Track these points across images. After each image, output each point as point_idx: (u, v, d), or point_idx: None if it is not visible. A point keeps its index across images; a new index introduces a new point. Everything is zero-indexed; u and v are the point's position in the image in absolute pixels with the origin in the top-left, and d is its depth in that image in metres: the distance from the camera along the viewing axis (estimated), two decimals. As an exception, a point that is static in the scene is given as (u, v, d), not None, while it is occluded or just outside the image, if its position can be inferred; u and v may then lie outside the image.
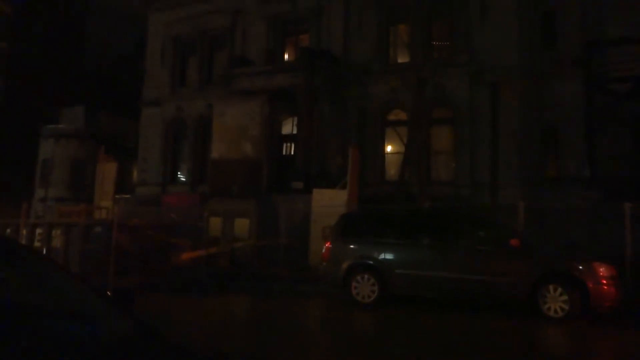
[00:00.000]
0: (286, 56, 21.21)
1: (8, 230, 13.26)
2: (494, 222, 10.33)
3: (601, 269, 7.90)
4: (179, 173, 22.63)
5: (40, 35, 38.55)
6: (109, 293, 2.90)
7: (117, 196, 18.03)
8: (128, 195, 21.75)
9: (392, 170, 18.25)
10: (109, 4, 42.80)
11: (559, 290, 7.84)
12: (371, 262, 9.32)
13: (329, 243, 9.98)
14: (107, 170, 17.01)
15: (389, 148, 18.76)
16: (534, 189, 15.60)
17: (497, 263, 8.49)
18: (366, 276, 9.25)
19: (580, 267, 8.03)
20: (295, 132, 18.74)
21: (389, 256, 9.28)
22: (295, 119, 18.66)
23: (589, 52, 17.22)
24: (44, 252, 11.62)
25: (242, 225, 15.86)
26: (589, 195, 15.13)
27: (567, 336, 7.64)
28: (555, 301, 7.84)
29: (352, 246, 9.73)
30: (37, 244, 12.27)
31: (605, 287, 7.79)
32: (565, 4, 17.01)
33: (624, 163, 17.78)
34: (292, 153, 19.14)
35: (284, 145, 19.84)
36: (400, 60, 19.06)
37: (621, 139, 18.47)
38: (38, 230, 12.59)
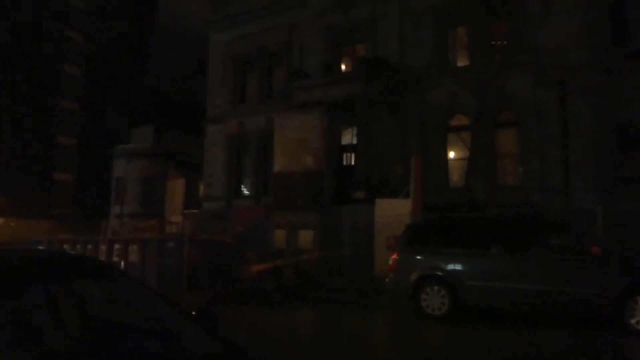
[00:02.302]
0: (343, 67, 21.34)
1: (89, 246, 14.10)
2: (570, 227, 9.78)
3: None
4: (242, 187, 23.23)
5: (110, 59, 41.10)
6: (194, 313, 2.98)
7: (185, 211, 18.77)
8: (195, 210, 22.56)
9: (455, 177, 17.81)
10: (172, 26, 44.97)
11: (649, 301, 7.28)
12: (440, 274, 9.10)
13: (395, 254, 9.85)
14: (176, 186, 17.78)
15: (451, 154, 18.34)
16: (610, 191, 14.67)
17: (577, 273, 8.01)
18: (436, 288, 9.03)
19: (671, 276, 7.44)
20: (355, 142, 18.76)
21: (458, 267, 9.02)
22: (355, 129, 18.69)
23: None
24: (122, 267, 12.25)
25: (306, 236, 16.02)
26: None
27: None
28: (645, 313, 7.29)
29: (419, 257, 9.56)
30: (115, 259, 12.97)
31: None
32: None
33: None
34: (353, 163, 19.15)
35: (344, 155, 19.89)
36: (459, 64, 18.64)
37: None
38: (116, 246, 13.30)
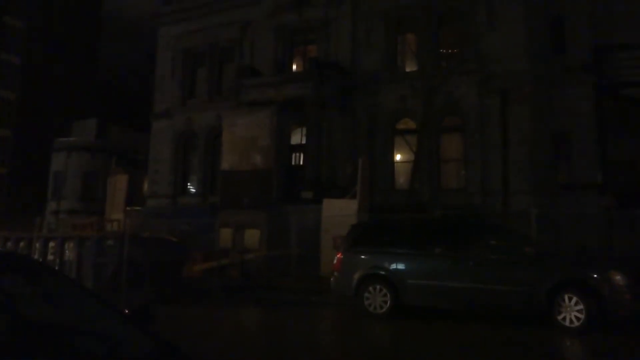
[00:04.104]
0: (294, 67, 21.33)
1: (22, 244, 13.39)
2: (506, 229, 10.25)
3: (617, 277, 7.79)
4: (189, 184, 22.76)
5: (52, 49, 39.18)
6: (126, 311, 2.91)
7: (128, 208, 18.17)
8: (139, 208, 21.89)
9: (402, 179, 18.22)
10: (120, 18, 43.42)
11: (574, 299, 7.72)
12: (383, 273, 9.28)
13: (340, 254, 9.97)
14: (118, 183, 17.17)
15: (398, 157, 18.75)
16: (546, 195, 15.48)
17: (511, 272, 8.40)
18: (378, 287, 9.20)
19: (596, 276, 7.94)
20: (304, 142, 18.81)
21: (400, 266, 9.24)
22: (305, 129, 18.73)
23: (598, 57, 17.12)
24: (57, 265, 11.71)
25: (252, 236, 15.90)
26: (602, 202, 14.99)
27: (582, 346, 7.54)
28: (571, 310, 7.73)
29: (363, 256, 9.71)
30: (50, 257, 12.38)
31: (622, 296, 7.69)
32: (574, 10, 16.97)
33: (637, 169, 17.61)
34: (302, 163, 19.20)
35: (294, 155, 19.91)
36: (408, 69, 19.09)
37: (634, 144, 18.30)
38: (51, 244, 12.69)
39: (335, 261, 9.99)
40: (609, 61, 18.25)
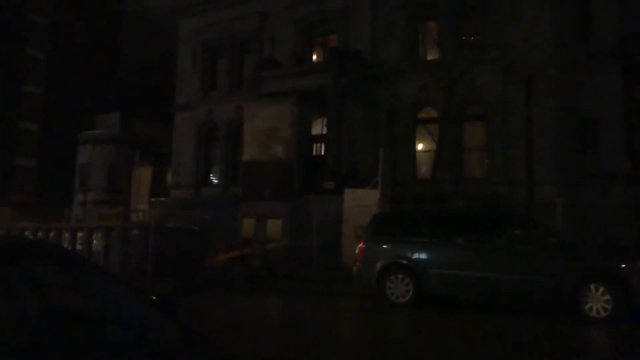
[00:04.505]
0: (314, 57, 21.30)
1: (51, 234, 13.75)
2: (531, 220, 10.09)
3: (645, 268, 7.64)
4: (211, 175, 23.01)
5: (76, 45, 39.82)
6: (153, 298, 2.97)
7: (152, 199, 18.47)
8: (163, 199, 22.23)
9: (423, 169, 18.09)
10: (140, 13, 43.84)
11: (601, 289, 7.60)
12: (405, 262, 9.26)
13: (362, 243, 9.97)
14: (143, 175, 17.44)
15: (420, 146, 18.60)
16: (572, 185, 15.19)
17: (535, 262, 8.29)
18: (400, 276, 9.18)
19: (624, 266, 7.79)
20: (325, 132, 18.79)
21: (423, 256, 9.20)
22: (325, 119, 18.71)
23: (626, 44, 16.64)
24: (86, 255, 12.00)
25: (274, 226, 16.01)
26: (630, 191, 14.63)
27: (609, 337, 7.43)
28: (597, 301, 7.60)
29: (385, 246, 9.69)
30: (78, 247, 12.69)
31: (650, 287, 7.53)
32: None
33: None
34: (323, 153, 19.20)
35: (315, 145, 19.92)
36: (429, 58, 18.86)
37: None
38: (79, 234, 13.01)
39: (357, 251, 10.00)
40: (637, 47, 17.72)
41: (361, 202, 13.41)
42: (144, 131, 29.04)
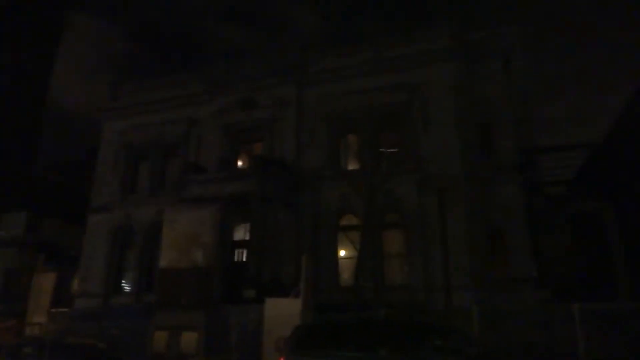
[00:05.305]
0: (240, 163, 21.58)
1: None
2: (451, 330, 10.17)
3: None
4: (123, 282, 21.50)
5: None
6: None
7: (53, 310, 16.78)
8: (66, 309, 20.22)
9: (346, 275, 18.09)
10: (62, 112, 43.18)
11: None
12: (328, 379, 8.81)
13: (282, 358, 9.45)
14: (44, 282, 16.01)
15: (342, 253, 18.75)
16: (487, 290, 15.75)
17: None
18: (323, 394, 8.68)
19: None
20: (247, 238, 18.51)
21: (346, 371, 8.83)
22: (248, 225, 18.54)
23: (523, 159, 18.54)
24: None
25: (190, 339, 14.89)
26: (539, 295, 15.42)
27: None
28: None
29: (307, 361, 9.23)
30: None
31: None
32: (498, 118, 18.49)
33: (568, 262, 18.47)
34: (244, 260, 18.74)
35: (237, 252, 19.46)
36: (350, 168, 19.77)
37: (563, 239, 19.36)
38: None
39: (277, 367, 9.44)
40: (534, 163, 19.81)
41: (283, 312, 12.96)
42: (55, 232, 27.12)
